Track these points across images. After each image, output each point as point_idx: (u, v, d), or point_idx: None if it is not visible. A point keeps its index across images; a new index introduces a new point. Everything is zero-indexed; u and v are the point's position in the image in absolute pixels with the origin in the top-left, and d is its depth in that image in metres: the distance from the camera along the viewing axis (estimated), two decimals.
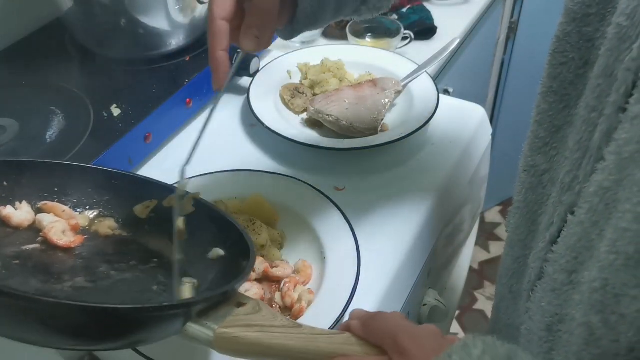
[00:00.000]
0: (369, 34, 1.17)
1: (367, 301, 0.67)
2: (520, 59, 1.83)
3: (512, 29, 1.79)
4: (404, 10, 1.25)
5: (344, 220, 0.73)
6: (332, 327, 0.60)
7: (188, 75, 0.89)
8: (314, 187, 0.77)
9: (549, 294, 0.53)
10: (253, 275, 0.67)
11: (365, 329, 0.49)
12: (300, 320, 0.63)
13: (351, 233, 0.71)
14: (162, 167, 0.86)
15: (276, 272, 0.67)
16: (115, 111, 0.82)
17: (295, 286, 0.66)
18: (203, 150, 0.89)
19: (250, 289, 0.65)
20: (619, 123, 0.43)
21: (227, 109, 0.97)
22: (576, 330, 0.45)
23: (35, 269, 0.54)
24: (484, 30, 1.49)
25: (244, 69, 0.95)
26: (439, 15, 1.24)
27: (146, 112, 0.82)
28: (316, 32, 1.15)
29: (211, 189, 0.77)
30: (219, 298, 0.49)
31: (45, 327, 0.43)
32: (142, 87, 0.88)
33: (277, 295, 0.66)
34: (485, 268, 2.07)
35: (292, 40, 1.12)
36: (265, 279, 0.68)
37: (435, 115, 0.88)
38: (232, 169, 0.81)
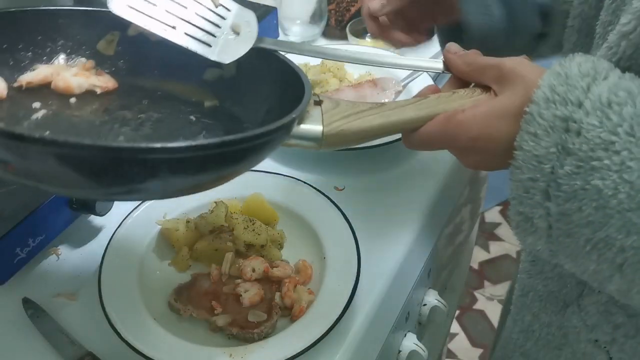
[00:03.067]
0: (369, 34, 1.17)
1: (367, 301, 0.67)
2: None
3: None
4: None
5: (344, 220, 0.73)
6: (331, 328, 0.60)
7: None
8: (314, 187, 0.77)
9: (527, 265, 0.58)
10: (253, 275, 0.67)
11: (466, 62, 0.50)
12: (299, 321, 0.63)
13: (351, 233, 0.71)
14: None
15: (276, 272, 0.67)
16: None
17: (295, 286, 0.66)
18: None
19: (250, 289, 0.65)
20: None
21: None
22: None
23: (72, 130, 0.49)
24: None
25: None
26: None
27: None
28: (316, 32, 1.15)
29: None
30: (309, 102, 0.49)
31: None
32: None
33: (277, 296, 0.66)
34: (485, 268, 2.06)
35: (292, 40, 1.13)
36: (265, 279, 0.67)
37: None
38: None
